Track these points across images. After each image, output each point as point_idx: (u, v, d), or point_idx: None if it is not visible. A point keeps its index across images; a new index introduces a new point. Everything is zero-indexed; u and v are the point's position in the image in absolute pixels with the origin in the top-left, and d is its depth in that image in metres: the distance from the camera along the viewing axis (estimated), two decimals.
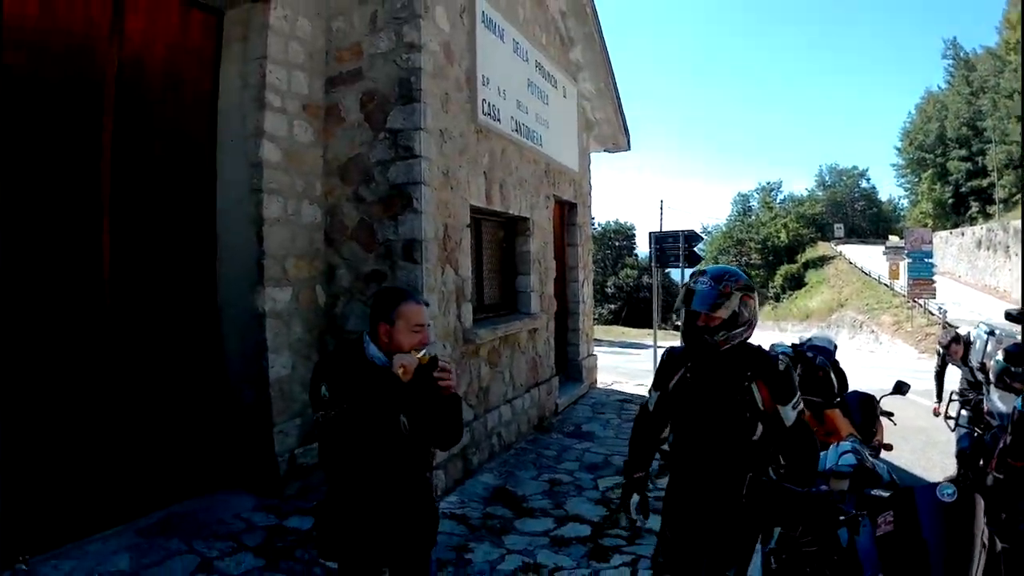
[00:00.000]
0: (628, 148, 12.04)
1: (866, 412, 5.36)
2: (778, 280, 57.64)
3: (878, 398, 5.68)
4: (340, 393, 2.54)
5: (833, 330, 34.82)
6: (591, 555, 4.69)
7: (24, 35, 3.78)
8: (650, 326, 21.51)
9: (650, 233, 13.83)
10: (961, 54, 52.74)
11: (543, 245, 8.51)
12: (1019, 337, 5.45)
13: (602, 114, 11.01)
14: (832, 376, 5.39)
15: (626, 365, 12.68)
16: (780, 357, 2.96)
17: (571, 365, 10.29)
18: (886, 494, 2.57)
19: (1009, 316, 5.40)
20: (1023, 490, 4.69)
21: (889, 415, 5.74)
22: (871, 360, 20.13)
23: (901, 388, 5.76)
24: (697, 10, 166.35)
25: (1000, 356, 5.41)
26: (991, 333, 6.24)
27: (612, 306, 54.33)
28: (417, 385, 2.63)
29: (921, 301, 26.23)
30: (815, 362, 5.46)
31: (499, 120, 6.82)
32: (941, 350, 6.90)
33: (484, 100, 6.46)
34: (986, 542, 2.22)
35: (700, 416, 2.96)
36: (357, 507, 2.69)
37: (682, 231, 13.06)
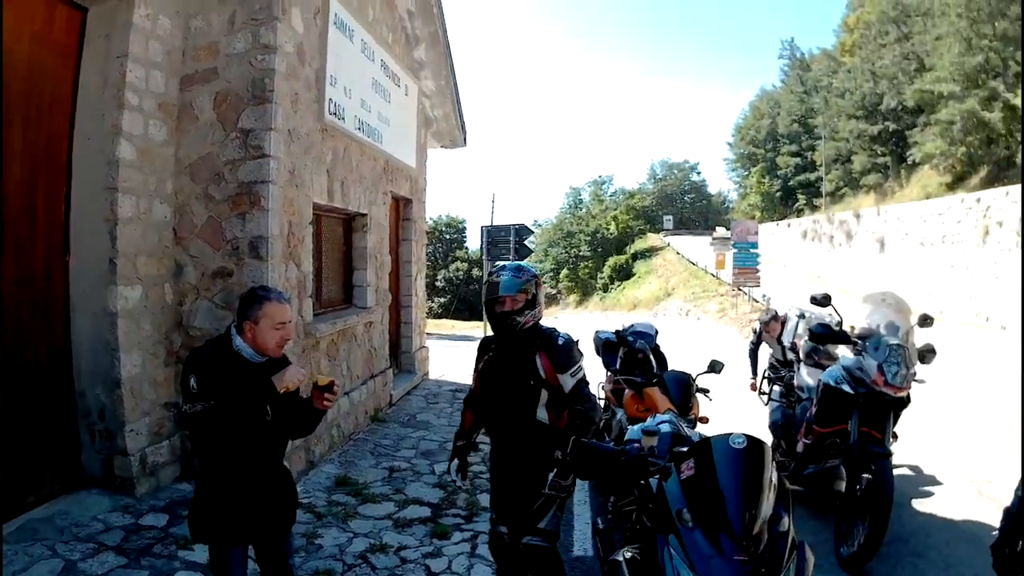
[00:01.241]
0: (464, 145, 12.58)
1: (683, 389, 5.67)
2: (607, 271, 59.53)
3: (694, 376, 6.00)
4: (208, 386, 2.78)
5: (660, 318, 36.78)
6: (433, 534, 5.17)
7: None
8: (480, 318, 22.14)
9: (482, 227, 14.38)
10: (797, 54, 57.13)
11: (379, 240, 8.83)
12: (825, 319, 6.12)
13: (441, 111, 11.47)
14: (651, 357, 5.91)
15: (457, 357, 13.24)
16: (561, 334, 3.55)
17: (405, 357, 10.71)
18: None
19: (813, 300, 5.86)
20: (828, 451, 5.49)
21: (705, 391, 6.11)
22: (698, 345, 21.79)
23: (715, 367, 6.15)
24: (532, 9, 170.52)
25: (807, 337, 6.15)
26: (801, 316, 6.97)
27: (442, 299, 54.94)
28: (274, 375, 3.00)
29: (745, 289, 27.77)
30: (635, 345, 6.03)
31: (343, 119, 7.09)
32: (759, 327, 7.68)
33: (331, 100, 6.72)
34: (774, 481, 2.61)
35: (500, 387, 3.57)
36: (226, 491, 2.95)
37: (513, 225, 13.71)
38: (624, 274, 57.62)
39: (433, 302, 52.67)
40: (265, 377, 2.91)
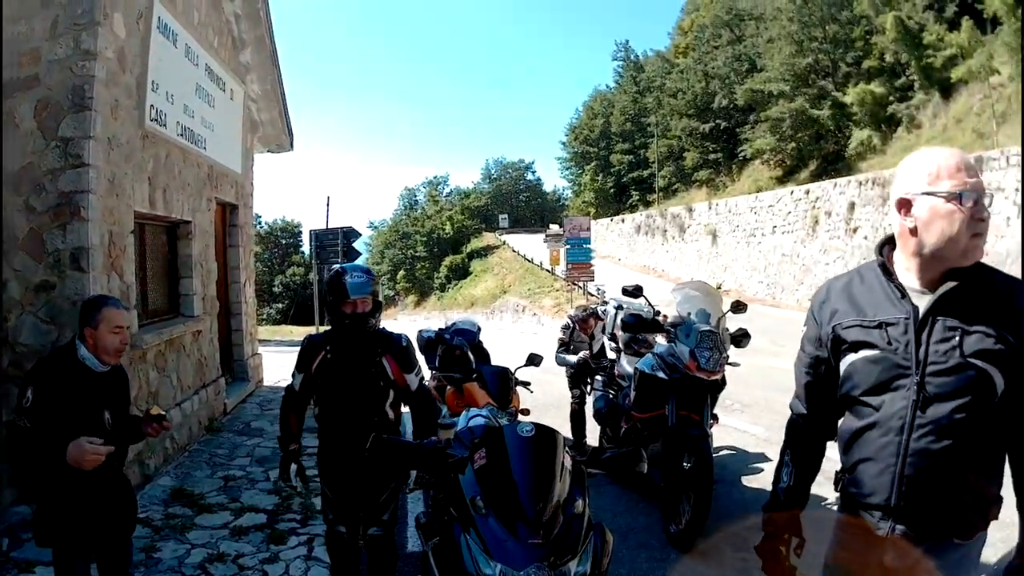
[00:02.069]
0: (291, 149, 12.53)
1: (501, 383, 5.88)
2: (443, 271, 60.06)
3: (512, 370, 6.21)
4: (44, 399, 2.93)
5: (497, 315, 37.34)
6: (270, 539, 5.29)
7: None
8: (323, 323, 21.76)
9: (311, 231, 14.35)
10: (632, 56, 59.39)
11: (205, 247, 8.71)
12: (641, 309, 6.37)
13: (267, 115, 11.40)
14: (468, 354, 6.06)
15: (294, 362, 13.05)
16: (402, 336, 3.80)
17: (237, 365, 10.57)
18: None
19: (625, 291, 6.09)
20: (646, 436, 5.74)
21: (525, 384, 6.36)
22: (534, 340, 22.52)
23: (534, 360, 6.39)
24: (352, 13, 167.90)
25: (622, 328, 6.35)
26: (619, 308, 7.19)
27: (280, 305, 53.58)
28: (117, 385, 3.26)
29: (580, 284, 28.83)
30: (452, 343, 6.23)
31: (165, 126, 7.01)
32: (571, 325, 7.79)
33: (152, 106, 6.64)
34: (568, 466, 2.72)
35: (342, 389, 3.67)
36: (65, 500, 3.04)
37: (341, 228, 13.71)
38: (461, 273, 58.26)
39: (271, 307, 51.42)
40: (106, 387, 3.12)
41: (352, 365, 3.65)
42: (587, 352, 7.53)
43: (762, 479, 6.42)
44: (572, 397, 7.70)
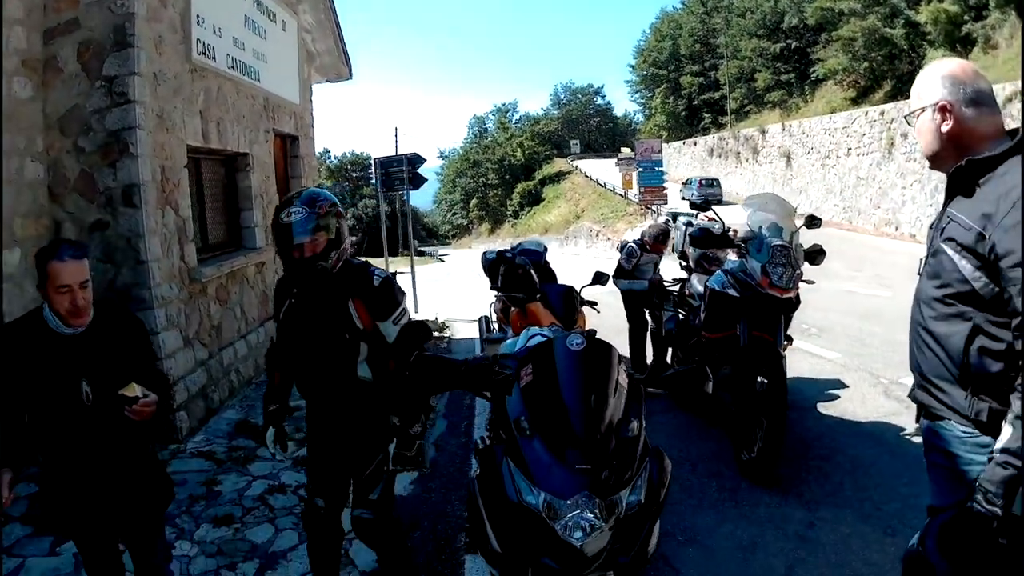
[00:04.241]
0: (350, 77, 12.50)
1: (566, 302, 5.72)
2: (516, 198, 60.38)
3: (578, 289, 6.04)
4: (10, 368, 2.52)
5: (571, 241, 37.54)
6: None
7: None
8: (393, 254, 22.06)
9: (374, 159, 14.24)
10: None
11: (264, 179, 8.82)
12: (709, 224, 6.15)
13: (323, 45, 11.33)
14: (532, 273, 5.82)
15: None
16: (377, 272, 2.99)
17: None
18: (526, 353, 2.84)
19: (693, 205, 5.89)
20: (719, 358, 5.38)
21: (592, 304, 6.12)
22: (608, 265, 22.27)
23: (600, 279, 6.20)
24: None
25: (690, 244, 6.10)
26: (688, 224, 6.93)
27: (353, 238, 54.69)
28: (101, 349, 2.63)
29: (654, 207, 28.29)
30: (515, 261, 6.04)
31: (214, 58, 7.05)
32: (637, 252, 7.20)
33: (199, 40, 6.68)
34: (623, 383, 2.46)
35: (308, 341, 2.97)
36: (65, 481, 2.70)
37: (405, 154, 13.54)
38: (534, 200, 58.42)
39: None
40: (81, 352, 2.59)
41: (315, 313, 2.96)
42: (657, 273, 7.28)
43: (839, 407, 6.19)
44: (637, 322, 7.38)
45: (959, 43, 26.53)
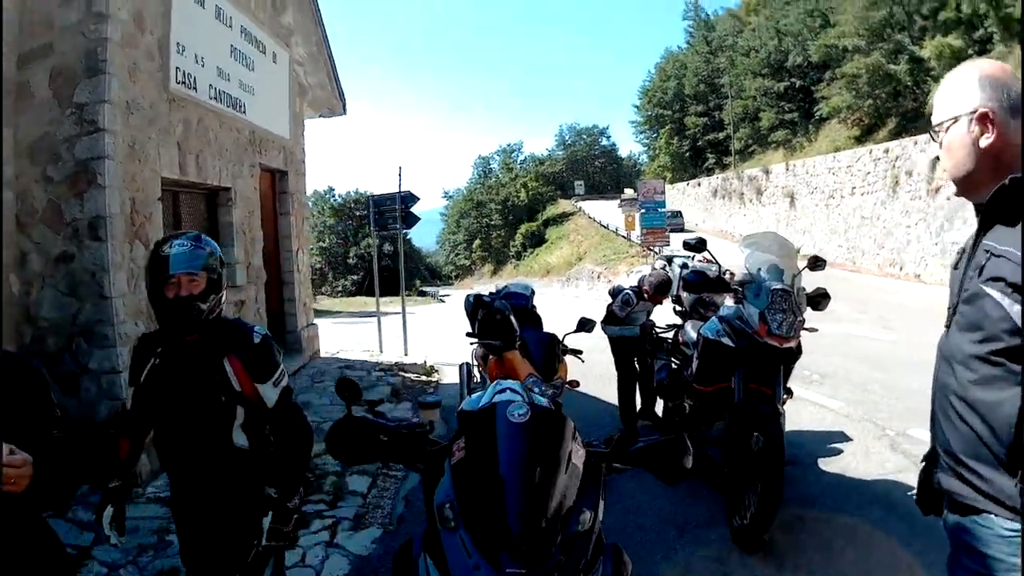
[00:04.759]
0: (344, 113, 12.44)
1: (546, 351, 5.39)
2: (519, 239, 60.72)
3: (560, 336, 5.70)
4: None
5: (573, 283, 37.59)
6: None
7: None
8: (393, 294, 21.88)
9: (368, 197, 14.15)
10: (702, 15, 58.62)
11: (248, 215, 8.62)
12: (705, 266, 5.85)
13: (315, 79, 11.28)
14: (511, 318, 5.24)
15: (359, 333, 13.16)
16: (256, 329, 2.72)
17: (290, 336, 10.54)
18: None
19: (687, 245, 5.34)
20: (711, 414, 5.00)
21: (577, 352, 5.78)
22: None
23: (585, 326, 5.80)
24: None
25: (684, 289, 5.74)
26: (684, 266, 6.57)
27: (355, 277, 54.99)
28: None
29: (656, 249, 27.17)
30: (492, 306, 5.51)
31: (195, 88, 6.89)
32: (632, 299, 6.67)
33: (178, 68, 6.53)
34: (576, 463, 2.02)
35: (176, 405, 2.61)
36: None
37: (399, 192, 13.41)
38: (537, 241, 58.79)
39: (346, 279, 52.73)
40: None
41: (184, 372, 2.60)
42: (648, 319, 6.92)
43: (842, 462, 5.79)
44: (627, 372, 6.99)
45: None
